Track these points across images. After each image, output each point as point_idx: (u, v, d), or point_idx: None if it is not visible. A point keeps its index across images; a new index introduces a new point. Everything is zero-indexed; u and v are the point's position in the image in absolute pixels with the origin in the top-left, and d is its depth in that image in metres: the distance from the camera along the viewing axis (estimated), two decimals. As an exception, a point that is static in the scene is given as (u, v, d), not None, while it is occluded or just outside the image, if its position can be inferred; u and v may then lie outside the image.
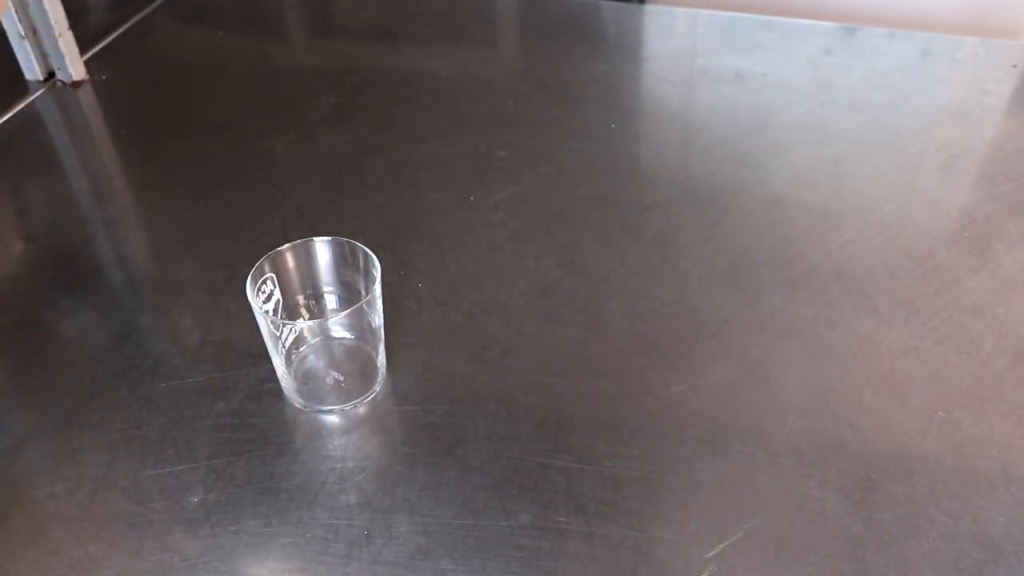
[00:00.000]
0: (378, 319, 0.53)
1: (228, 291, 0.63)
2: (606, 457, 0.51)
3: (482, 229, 0.69)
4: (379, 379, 0.55)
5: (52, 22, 0.85)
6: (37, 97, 0.87)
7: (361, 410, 0.54)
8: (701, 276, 0.64)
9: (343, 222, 0.70)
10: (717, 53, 0.93)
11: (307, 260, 0.55)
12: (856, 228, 0.68)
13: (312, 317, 0.57)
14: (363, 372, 0.56)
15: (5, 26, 0.85)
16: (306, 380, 0.56)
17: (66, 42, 0.87)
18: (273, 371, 0.55)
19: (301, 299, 0.57)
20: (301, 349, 0.56)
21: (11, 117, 0.84)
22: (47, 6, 0.84)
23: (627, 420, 0.53)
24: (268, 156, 0.78)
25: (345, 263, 0.55)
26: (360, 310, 0.52)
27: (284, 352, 0.54)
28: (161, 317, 0.62)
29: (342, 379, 0.56)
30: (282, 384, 0.55)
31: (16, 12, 0.83)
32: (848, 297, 0.61)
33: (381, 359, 0.55)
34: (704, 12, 1.01)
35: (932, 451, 0.51)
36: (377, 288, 0.52)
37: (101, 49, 0.95)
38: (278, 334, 0.53)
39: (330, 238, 0.55)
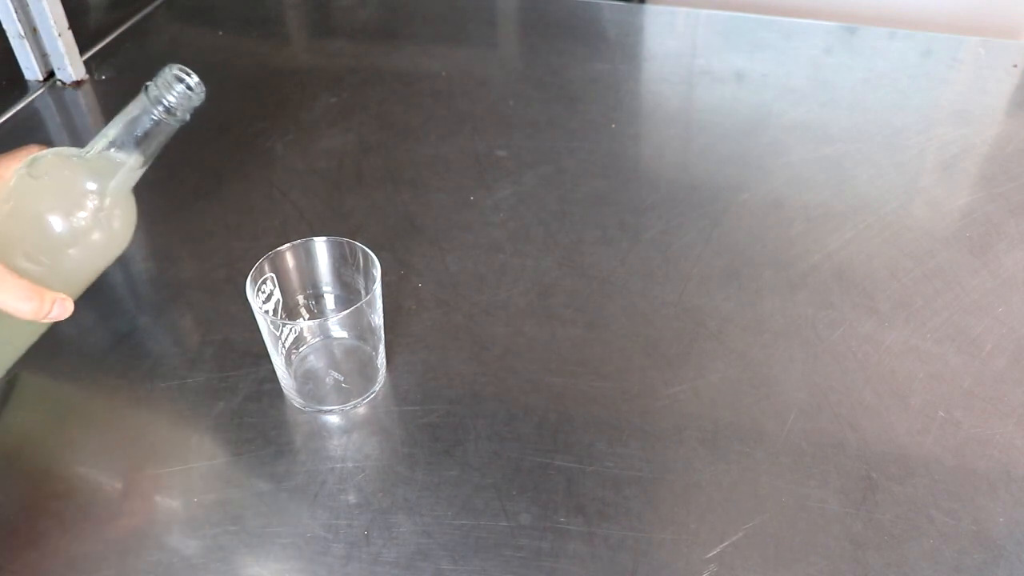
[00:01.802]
0: (378, 319, 0.53)
1: (228, 291, 0.63)
2: (606, 457, 0.51)
3: (482, 229, 0.69)
4: (379, 379, 0.55)
5: (52, 22, 0.85)
6: (37, 97, 0.87)
7: (361, 410, 0.54)
8: (701, 276, 0.64)
9: (343, 222, 0.70)
10: (717, 53, 0.93)
11: (307, 260, 0.55)
12: (856, 228, 0.68)
13: (312, 317, 0.57)
14: (363, 372, 0.56)
15: (5, 26, 0.85)
16: (306, 380, 0.56)
17: (66, 42, 0.87)
18: (273, 371, 0.55)
19: (301, 299, 0.57)
20: (301, 349, 0.56)
21: (11, 117, 0.84)
22: (47, 6, 0.84)
23: (627, 420, 0.53)
24: (268, 156, 0.78)
25: (345, 263, 0.55)
26: (360, 310, 0.52)
27: (284, 352, 0.54)
28: (161, 317, 0.62)
29: (342, 379, 0.56)
30: (282, 384, 0.55)
31: (16, 12, 0.83)
32: (848, 297, 0.61)
33: (381, 359, 0.55)
34: (704, 12, 1.01)
35: (932, 451, 0.51)
36: (377, 288, 0.51)
37: (101, 49, 0.95)
38: (278, 334, 0.53)
39: (330, 238, 0.55)
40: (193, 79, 0.49)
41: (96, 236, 0.50)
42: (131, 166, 0.50)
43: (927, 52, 0.92)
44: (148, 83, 0.49)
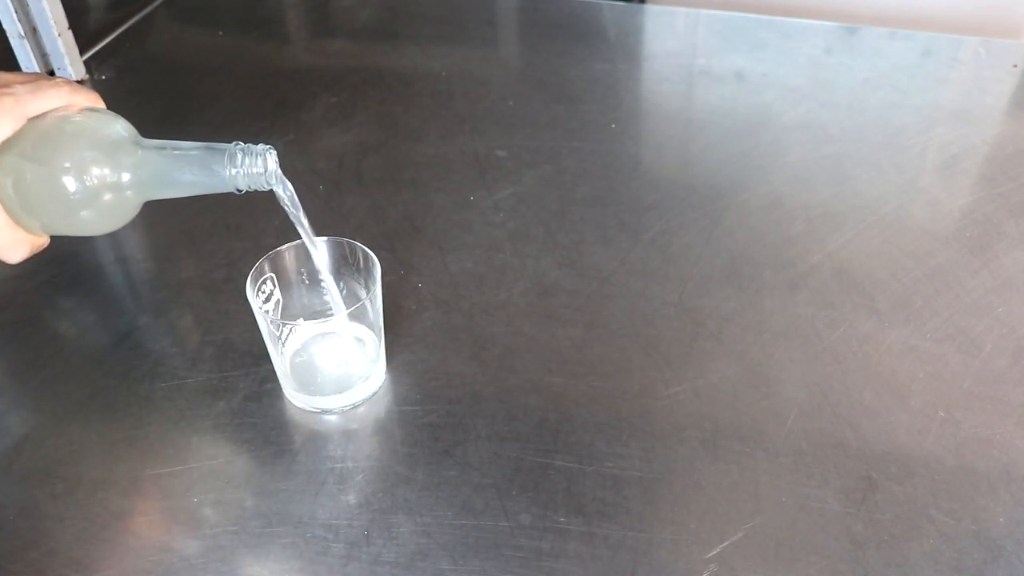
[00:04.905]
0: (378, 319, 0.53)
1: (228, 291, 0.63)
2: (606, 457, 0.51)
3: (482, 229, 0.69)
4: (379, 379, 0.55)
5: (52, 22, 0.85)
6: (37, 97, 0.87)
7: (361, 410, 0.54)
8: (701, 276, 0.64)
9: (343, 222, 0.70)
10: (717, 53, 0.93)
11: (307, 260, 0.55)
12: (856, 228, 0.68)
13: (312, 317, 0.57)
14: (363, 372, 0.56)
15: (5, 26, 0.85)
16: (306, 380, 0.56)
17: (66, 42, 0.87)
18: (273, 371, 0.55)
19: (301, 299, 0.57)
20: (301, 349, 0.56)
21: (11, 117, 0.84)
22: (47, 6, 0.84)
23: (627, 420, 0.53)
24: (268, 156, 0.78)
25: (345, 263, 0.55)
26: (360, 310, 0.52)
27: (284, 352, 0.54)
28: (161, 317, 0.62)
29: (342, 379, 0.56)
30: (282, 384, 0.55)
31: (16, 12, 0.83)
32: (848, 297, 0.61)
33: (381, 359, 0.55)
34: (704, 12, 1.01)
35: (932, 451, 0.51)
36: (377, 288, 0.52)
37: (101, 49, 0.95)
38: (278, 334, 0.53)
39: (330, 238, 0.55)
40: (271, 171, 0.46)
41: (103, 215, 0.46)
42: (171, 179, 0.46)
43: (927, 52, 0.92)
44: (240, 147, 0.46)
